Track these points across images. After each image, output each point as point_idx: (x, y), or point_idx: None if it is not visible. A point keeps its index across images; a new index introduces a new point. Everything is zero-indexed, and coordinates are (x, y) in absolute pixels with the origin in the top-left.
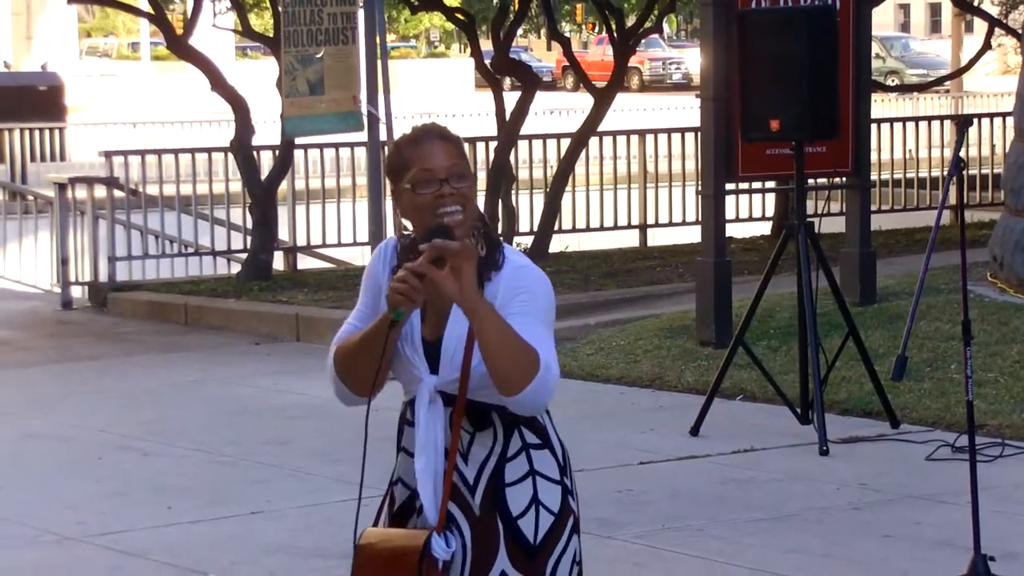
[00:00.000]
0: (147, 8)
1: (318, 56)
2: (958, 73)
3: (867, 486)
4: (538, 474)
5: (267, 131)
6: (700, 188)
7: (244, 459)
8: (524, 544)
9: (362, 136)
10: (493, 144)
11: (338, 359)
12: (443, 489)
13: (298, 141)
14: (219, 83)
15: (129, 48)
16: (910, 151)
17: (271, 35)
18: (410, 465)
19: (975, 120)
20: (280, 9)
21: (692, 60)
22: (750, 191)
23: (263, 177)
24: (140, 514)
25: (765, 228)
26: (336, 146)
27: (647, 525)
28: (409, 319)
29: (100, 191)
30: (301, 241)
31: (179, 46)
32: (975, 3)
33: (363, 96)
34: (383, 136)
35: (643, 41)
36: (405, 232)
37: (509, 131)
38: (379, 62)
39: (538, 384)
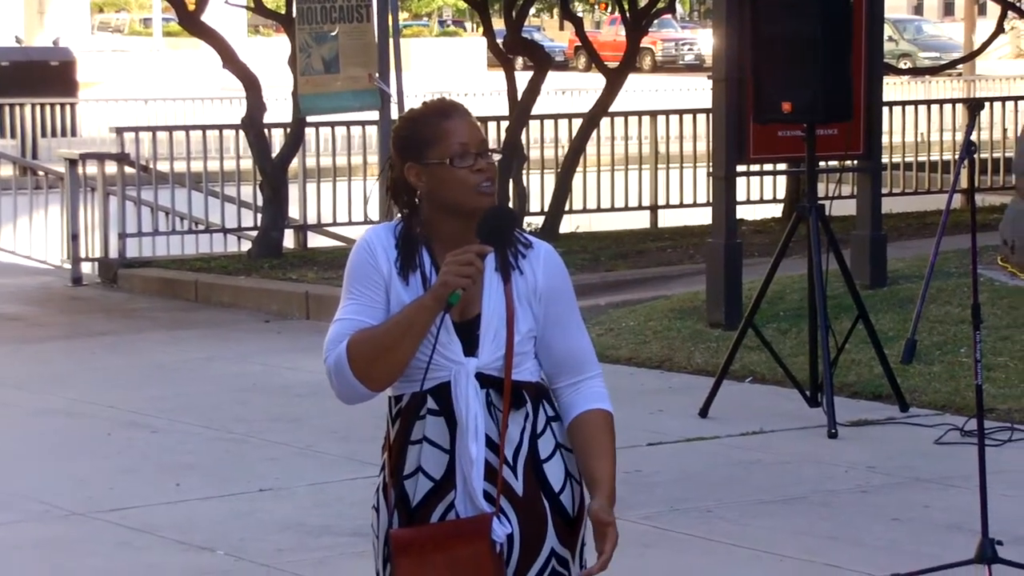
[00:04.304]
0: None
1: (332, 34)
2: (971, 56)
3: (875, 469)
4: (562, 447)
5: (278, 108)
6: (711, 169)
7: (253, 436)
8: (566, 518)
9: (372, 114)
10: (505, 124)
11: (361, 353)
12: (497, 473)
13: (309, 119)
14: (231, 60)
15: (141, 24)
16: (922, 134)
17: (283, 12)
18: (434, 455)
19: (987, 104)
20: None
21: (704, 41)
22: (761, 173)
23: (274, 155)
24: (149, 490)
25: (776, 210)
26: (347, 124)
27: (655, 506)
28: None
29: (111, 167)
30: (312, 219)
31: (191, 22)
32: None
33: (376, 74)
34: (395, 115)
35: (656, 21)
36: (404, 213)
37: (521, 111)
38: (391, 40)
39: None
